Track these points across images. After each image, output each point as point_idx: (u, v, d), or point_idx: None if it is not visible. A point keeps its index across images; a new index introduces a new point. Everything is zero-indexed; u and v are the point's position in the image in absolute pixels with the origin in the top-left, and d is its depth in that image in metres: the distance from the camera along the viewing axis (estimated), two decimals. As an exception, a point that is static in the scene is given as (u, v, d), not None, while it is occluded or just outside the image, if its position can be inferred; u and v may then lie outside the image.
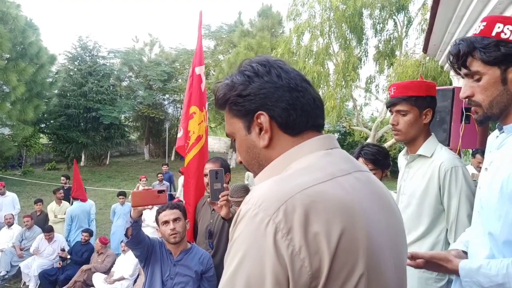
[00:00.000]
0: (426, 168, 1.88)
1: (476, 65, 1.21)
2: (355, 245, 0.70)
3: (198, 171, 3.26)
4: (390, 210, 0.86)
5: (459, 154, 3.71)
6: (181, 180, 9.64)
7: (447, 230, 1.85)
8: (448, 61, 1.30)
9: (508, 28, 1.16)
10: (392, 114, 1.97)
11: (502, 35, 1.16)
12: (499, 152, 1.25)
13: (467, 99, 1.28)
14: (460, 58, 1.24)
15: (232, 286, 0.69)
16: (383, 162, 2.36)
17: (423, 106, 1.89)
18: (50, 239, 6.48)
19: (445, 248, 1.81)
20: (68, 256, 6.36)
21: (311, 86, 0.89)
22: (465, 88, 1.27)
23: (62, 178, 9.06)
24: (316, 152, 0.83)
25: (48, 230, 6.51)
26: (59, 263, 6.34)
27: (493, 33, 1.18)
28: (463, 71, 1.26)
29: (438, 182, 1.81)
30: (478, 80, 1.22)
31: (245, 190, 0.88)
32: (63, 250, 6.45)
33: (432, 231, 1.86)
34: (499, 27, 1.17)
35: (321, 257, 0.67)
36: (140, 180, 9.12)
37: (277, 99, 0.84)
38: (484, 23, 1.22)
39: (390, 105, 1.96)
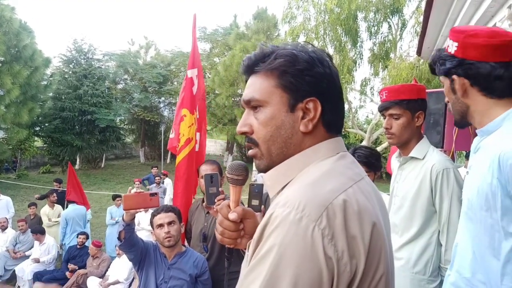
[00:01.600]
0: (418, 170, 1.89)
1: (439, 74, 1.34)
2: (379, 247, 0.74)
3: (186, 174, 3.25)
4: (386, 212, 0.90)
5: (452, 156, 3.74)
6: (166, 181, 9.69)
7: (439, 231, 1.86)
8: (429, 67, 1.44)
9: (451, 43, 1.25)
10: (385, 118, 1.98)
11: (449, 49, 1.26)
12: (475, 156, 1.29)
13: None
14: (431, 67, 1.38)
15: (277, 283, 0.68)
16: (376, 165, 2.41)
17: (415, 109, 1.91)
18: (39, 240, 6.45)
19: (437, 250, 1.84)
20: (76, 267, 6.24)
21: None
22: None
23: (55, 183, 9.04)
24: (332, 155, 0.84)
25: (37, 231, 6.50)
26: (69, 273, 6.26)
27: (447, 47, 1.28)
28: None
29: (430, 184, 1.83)
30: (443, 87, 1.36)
31: (245, 168, 0.88)
32: (67, 261, 6.39)
33: (424, 232, 1.87)
34: (448, 41, 1.28)
35: (358, 259, 0.70)
36: (134, 183, 9.10)
37: (331, 96, 0.85)
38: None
39: (382, 109, 1.97)
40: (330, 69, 0.84)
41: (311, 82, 0.82)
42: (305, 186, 0.75)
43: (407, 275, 1.87)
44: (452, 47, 1.24)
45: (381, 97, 1.99)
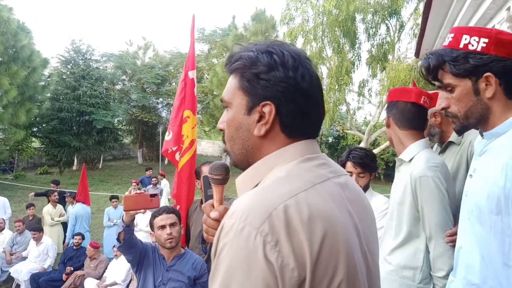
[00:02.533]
0: (404, 174, 1.83)
1: (447, 78, 1.22)
2: (336, 252, 0.71)
3: (190, 177, 3.24)
4: (365, 214, 0.87)
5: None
6: (163, 182, 9.65)
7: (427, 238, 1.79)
8: (420, 74, 1.31)
9: (474, 40, 1.16)
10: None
11: (470, 47, 1.17)
12: (481, 158, 1.24)
13: (443, 111, 1.28)
14: (431, 72, 1.25)
15: None
16: (371, 166, 2.39)
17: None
18: (37, 239, 6.42)
19: (427, 256, 1.76)
20: (72, 269, 6.22)
21: (323, 99, 0.87)
22: (440, 100, 1.28)
23: (52, 184, 9.01)
24: (296, 158, 0.82)
25: (36, 229, 6.47)
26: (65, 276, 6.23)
27: (461, 45, 1.19)
28: (436, 83, 1.27)
29: (411, 189, 1.76)
30: (452, 91, 1.23)
31: (225, 168, 0.89)
32: (64, 263, 6.37)
33: (412, 239, 1.80)
34: (466, 39, 1.18)
35: (306, 265, 0.68)
36: (132, 184, 9.09)
37: (291, 100, 0.81)
38: (452, 35, 1.22)
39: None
40: (296, 72, 0.80)
41: (266, 86, 0.80)
42: (253, 194, 0.74)
43: (396, 279, 1.82)
44: (477, 44, 1.16)
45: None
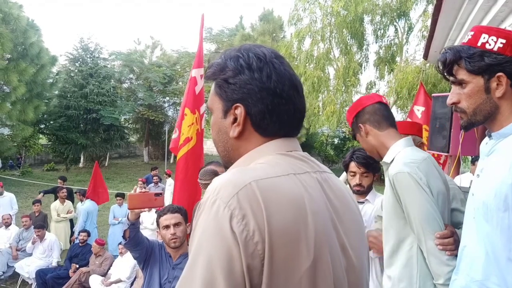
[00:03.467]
0: (387, 177, 1.74)
1: (461, 74, 1.27)
2: (303, 237, 0.74)
3: (184, 173, 3.25)
4: (347, 212, 0.88)
5: (458, 160, 3.71)
6: (168, 181, 9.67)
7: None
8: (437, 68, 1.35)
9: (492, 39, 1.21)
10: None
11: (487, 46, 1.22)
12: (489, 158, 1.27)
13: (453, 106, 1.33)
14: (447, 66, 1.30)
15: (194, 268, 0.71)
16: (374, 166, 2.41)
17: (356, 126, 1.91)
18: (39, 236, 6.45)
19: (420, 261, 1.64)
20: (77, 266, 6.26)
21: (299, 94, 0.89)
22: (452, 94, 1.33)
23: (59, 180, 9.07)
24: (274, 153, 0.85)
25: (39, 227, 6.50)
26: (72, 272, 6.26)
27: (479, 43, 1.23)
28: (450, 78, 1.31)
29: (392, 189, 1.68)
30: (464, 87, 1.28)
31: (214, 173, 0.92)
32: (70, 259, 6.40)
33: (402, 245, 1.70)
34: (484, 38, 1.22)
35: (271, 242, 0.71)
36: (138, 182, 9.11)
37: (258, 100, 0.85)
38: (472, 33, 1.27)
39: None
40: (261, 73, 0.85)
41: (235, 89, 0.85)
42: (229, 173, 0.78)
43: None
44: (494, 44, 1.20)
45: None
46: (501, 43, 1.19)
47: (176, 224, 2.55)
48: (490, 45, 1.21)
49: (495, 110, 1.24)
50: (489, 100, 1.24)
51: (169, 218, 2.54)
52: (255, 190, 0.73)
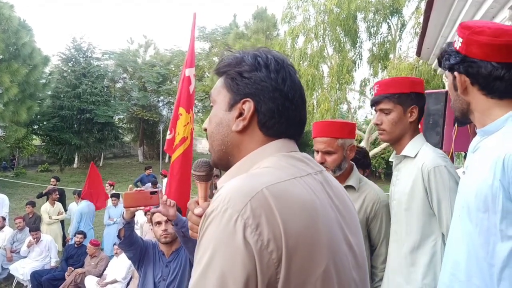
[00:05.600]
0: (411, 170, 1.73)
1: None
2: (317, 241, 0.73)
3: (180, 173, 3.24)
4: (346, 209, 0.89)
5: (451, 157, 3.73)
6: (165, 182, 9.64)
7: (442, 235, 1.67)
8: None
9: (457, 38, 1.23)
10: (376, 113, 1.86)
11: (455, 44, 1.24)
12: (474, 155, 1.26)
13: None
14: (439, 63, 1.35)
15: (204, 282, 0.69)
16: (362, 162, 2.41)
17: (407, 104, 1.77)
18: (36, 239, 6.40)
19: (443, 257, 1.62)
20: (73, 269, 6.21)
21: (304, 105, 0.91)
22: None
23: (52, 179, 8.98)
24: (277, 154, 0.85)
25: (34, 230, 6.45)
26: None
27: (454, 41, 1.26)
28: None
29: (423, 184, 1.66)
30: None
31: (208, 165, 0.92)
32: (66, 260, 6.36)
33: (427, 240, 1.69)
34: (456, 36, 1.25)
35: (288, 249, 0.69)
36: (110, 185, 9.12)
37: (270, 99, 0.85)
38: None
39: (373, 103, 1.85)
40: (277, 74, 0.85)
41: (248, 83, 0.85)
42: (238, 180, 0.76)
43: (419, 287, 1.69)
44: (457, 42, 1.22)
45: (374, 91, 1.87)
46: (460, 42, 1.21)
47: (167, 221, 2.56)
48: (456, 44, 1.23)
49: (466, 107, 1.26)
50: (458, 97, 1.27)
51: (161, 215, 2.55)
52: (267, 197, 0.71)
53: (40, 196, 8.93)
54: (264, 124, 0.86)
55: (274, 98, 0.85)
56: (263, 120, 0.86)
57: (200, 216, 0.98)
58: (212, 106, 0.93)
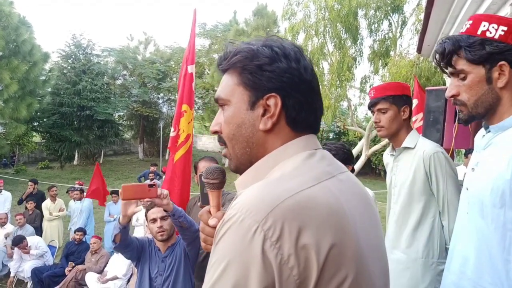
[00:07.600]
0: (412, 158, 2.04)
1: (461, 64, 1.21)
2: (345, 253, 0.68)
3: (184, 172, 3.23)
4: (371, 209, 0.84)
5: (452, 154, 3.73)
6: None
7: (439, 213, 1.98)
8: (434, 60, 1.29)
9: (493, 27, 1.15)
10: (374, 114, 2.17)
11: (487, 34, 1.16)
12: (486, 152, 1.23)
13: (452, 98, 1.27)
14: (446, 57, 1.24)
15: None
16: (345, 158, 2.44)
17: (400, 104, 2.09)
18: (25, 249, 6.18)
19: (441, 232, 1.95)
20: (73, 265, 6.22)
21: (320, 92, 0.87)
22: (451, 87, 1.27)
23: (30, 182, 8.49)
24: (300, 154, 0.79)
25: (16, 243, 6.13)
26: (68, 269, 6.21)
27: (479, 32, 1.17)
28: (449, 69, 1.25)
29: (424, 169, 1.96)
30: (463, 79, 1.22)
31: (221, 172, 0.85)
32: (66, 257, 6.35)
33: (426, 217, 1.99)
34: (484, 26, 1.16)
35: (310, 265, 0.64)
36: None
37: (298, 91, 0.79)
38: (470, 22, 1.21)
39: (371, 105, 2.16)
40: (298, 63, 0.79)
41: (271, 77, 0.78)
42: (257, 187, 0.71)
43: (419, 262, 1.98)
44: (495, 31, 1.15)
45: (370, 96, 2.18)
46: (502, 30, 1.13)
47: (162, 218, 2.57)
48: (491, 33, 1.15)
49: (496, 101, 1.18)
50: (491, 91, 1.18)
51: (156, 212, 2.56)
52: (291, 207, 0.65)
53: (20, 202, 8.49)
54: (293, 119, 0.80)
55: (300, 90, 0.79)
56: (292, 114, 0.79)
57: (215, 227, 0.91)
58: (222, 107, 0.85)
